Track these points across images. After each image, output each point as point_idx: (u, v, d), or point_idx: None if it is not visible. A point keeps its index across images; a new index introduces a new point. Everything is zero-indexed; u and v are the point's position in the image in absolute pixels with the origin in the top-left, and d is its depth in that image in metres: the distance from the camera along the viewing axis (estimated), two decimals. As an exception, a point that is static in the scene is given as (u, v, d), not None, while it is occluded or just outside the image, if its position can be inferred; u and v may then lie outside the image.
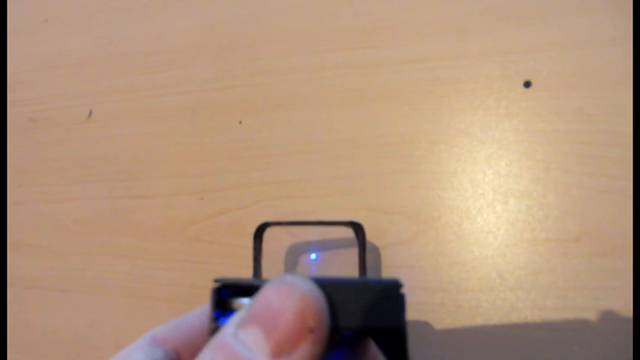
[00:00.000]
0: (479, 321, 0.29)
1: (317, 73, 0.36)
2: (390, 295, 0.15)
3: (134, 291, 0.36)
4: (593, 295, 0.28)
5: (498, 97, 0.32)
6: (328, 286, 0.15)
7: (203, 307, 0.20)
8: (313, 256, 0.33)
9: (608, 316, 0.27)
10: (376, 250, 0.31)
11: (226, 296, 0.16)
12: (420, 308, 0.30)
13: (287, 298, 0.13)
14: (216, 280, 0.16)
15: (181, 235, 0.36)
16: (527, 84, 0.31)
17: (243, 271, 0.33)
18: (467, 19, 0.34)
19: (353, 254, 0.28)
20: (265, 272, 0.29)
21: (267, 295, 0.14)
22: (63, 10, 0.45)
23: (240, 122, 0.37)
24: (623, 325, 0.27)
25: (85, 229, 0.38)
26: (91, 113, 0.41)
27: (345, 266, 0.31)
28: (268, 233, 0.29)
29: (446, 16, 0.34)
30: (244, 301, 0.16)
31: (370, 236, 0.30)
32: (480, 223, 0.30)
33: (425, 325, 0.30)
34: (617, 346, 0.27)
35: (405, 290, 0.16)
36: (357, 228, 0.27)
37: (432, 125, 0.33)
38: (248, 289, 0.16)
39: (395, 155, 0.33)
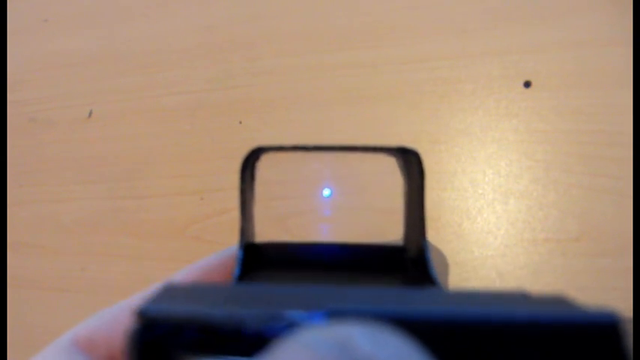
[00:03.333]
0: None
1: (317, 73, 0.36)
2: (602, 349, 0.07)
3: (134, 291, 0.36)
4: (593, 295, 0.28)
5: (498, 97, 0.32)
6: (440, 331, 0.07)
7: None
8: (327, 192, 0.24)
9: (608, 316, 0.27)
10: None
11: (160, 343, 0.08)
12: (420, 308, 0.30)
13: None
14: (138, 314, 0.08)
15: (181, 235, 0.36)
16: (527, 84, 0.31)
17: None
18: (467, 19, 0.34)
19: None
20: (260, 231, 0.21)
21: None
22: (63, 10, 0.45)
23: (240, 122, 0.37)
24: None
25: (85, 229, 0.38)
26: (91, 113, 0.41)
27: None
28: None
29: (446, 16, 0.34)
30: None
31: (371, 236, 0.30)
32: (479, 223, 0.30)
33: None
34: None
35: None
36: (411, 157, 0.18)
37: (432, 125, 0.33)
38: (215, 335, 0.08)
39: (395, 155, 0.33)
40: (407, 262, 0.17)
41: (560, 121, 0.30)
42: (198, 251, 0.35)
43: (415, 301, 0.08)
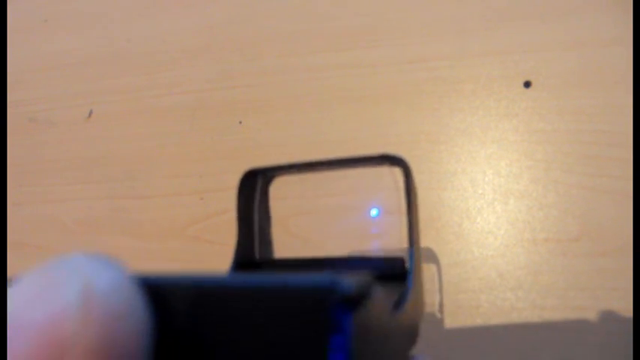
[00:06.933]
0: (479, 321, 0.29)
1: (317, 73, 0.36)
2: (314, 316, 0.07)
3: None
4: (593, 295, 0.28)
5: (498, 97, 0.32)
6: (175, 293, 0.08)
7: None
8: (374, 212, 0.23)
9: (608, 316, 0.27)
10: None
11: None
12: (420, 308, 0.30)
13: (44, 299, 0.07)
14: None
15: (181, 235, 0.36)
16: (527, 84, 0.31)
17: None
18: (467, 19, 0.34)
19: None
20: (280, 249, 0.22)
21: (17, 292, 0.08)
22: (63, 10, 0.45)
23: (240, 122, 0.37)
24: (623, 325, 0.27)
25: (85, 229, 0.38)
26: (91, 113, 0.41)
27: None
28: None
29: (446, 16, 0.34)
30: None
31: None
32: (479, 223, 0.30)
33: (425, 326, 0.30)
34: (617, 346, 0.27)
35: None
36: (397, 163, 0.18)
37: (432, 125, 0.33)
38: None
39: (395, 155, 0.33)
40: (405, 271, 0.17)
41: (560, 121, 0.30)
42: (198, 251, 0.35)
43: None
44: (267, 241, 0.20)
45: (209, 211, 0.36)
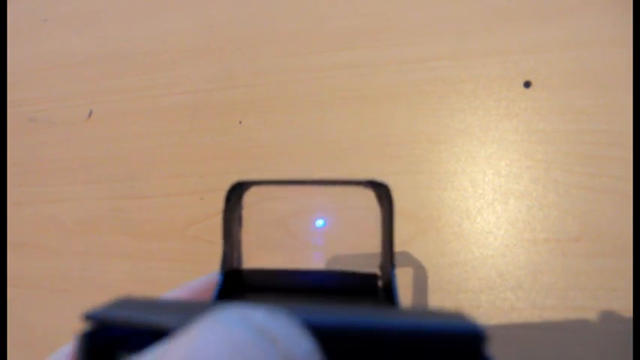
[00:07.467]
0: (479, 321, 0.29)
1: (317, 73, 0.36)
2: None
3: (134, 291, 0.36)
4: (593, 295, 0.28)
5: (498, 97, 0.32)
6: (336, 336, 0.08)
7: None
8: (320, 222, 0.23)
9: (608, 316, 0.27)
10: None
11: (109, 347, 0.09)
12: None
13: None
14: (87, 317, 0.09)
15: (181, 235, 0.36)
16: (527, 84, 0.31)
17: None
18: (467, 19, 0.34)
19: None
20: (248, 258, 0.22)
21: (192, 341, 0.07)
22: (63, 10, 0.45)
23: (240, 122, 0.37)
24: (623, 325, 0.27)
25: (85, 229, 0.38)
26: (91, 113, 0.41)
27: (361, 244, 0.29)
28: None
29: (446, 16, 0.34)
30: None
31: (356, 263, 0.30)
32: (479, 223, 0.30)
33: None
34: (617, 346, 0.27)
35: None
36: (381, 190, 0.18)
37: (432, 125, 0.33)
38: (153, 336, 0.08)
39: (395, 155, 0.33)
40: (378, 288, 0.18)
41: (560, 121, 0.30)
42: (198, 251, 0.35)
43: (330, 312, 0.09)
44: (240, 250, 0.20)
45: (209, 211, 0.36)
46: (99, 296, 0.37)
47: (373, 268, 0.18)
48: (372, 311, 0.10)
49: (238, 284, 0.19)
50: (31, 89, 0.44)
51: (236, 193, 0.20)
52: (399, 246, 0.31)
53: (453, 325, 0.09)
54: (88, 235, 0.38)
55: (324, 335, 0.08)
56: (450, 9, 0.34)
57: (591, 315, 0.27)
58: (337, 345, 0.08)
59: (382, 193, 0.18)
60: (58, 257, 0.39)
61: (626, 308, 0.27)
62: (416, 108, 0.33)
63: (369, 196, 0.20)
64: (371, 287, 0.18)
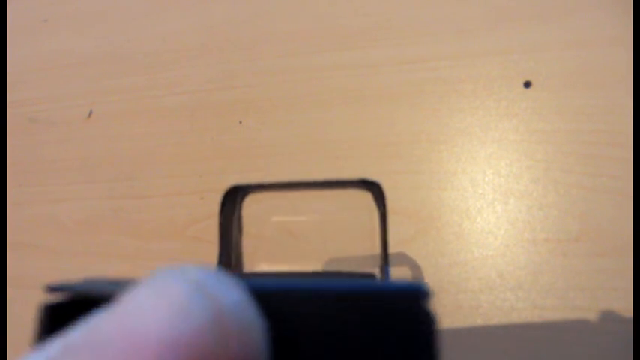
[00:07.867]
0: (479, 321, 0.29)
1: (317, 73, 0.36)
2: (408, 315, 0.09)
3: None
4: (593, 295, 0.28)
5: (498, 97, 0.32)
6: (276, 297, 0.09)
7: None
8: None
9: (608, 316, 0.27)
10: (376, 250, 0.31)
11: (68, 318, 0.08)
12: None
13: (164, 312, 0.07)
14: (50, 288, 0.09)
15: (181, 235, 0.36)
16: (527, 84, 0.31)
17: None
18: (467, 19, 0.34)
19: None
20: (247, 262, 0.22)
21: (128, 305, 0.08)
22: (63, 10, 0.45)
23: (240, 122, 0.37)
24: (623, 325, 0.27)
25: (85, 229, 0.38)
26: (91, 113, 0.41)
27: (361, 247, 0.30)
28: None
29: (446, 16, 0.34)
30: None
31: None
32: (479, 223, 0.30)
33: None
34: (617, 346, 0.27)
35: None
36: (374, 189, 0.19)
37: (432, 125, 0.33)
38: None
39: (395, 155, 0.33)
40: None
41: (560, 121, 0.30)
42: (198, 251, 0.35)
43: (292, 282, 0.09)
44: (239, 254, 0.20)
45: (209, 211, 0.36)
46: (99, 296, 0.37)
47: (373, 268, 0.18)
48: (318, 279, 0.10)
49: None
50: (31, 89, 0.44)
51: (231, 197, 0.20)
52: (399, 246, 0.31)
53: (393, 283, 0.09)
54: (88, 235, 0.38)
55: (266, 298, 0.08)
56: (450, 9, 0.34)
57: (591, 315, 0.27)
58: (280, 306, 0.09)
59: (375, 192, 0.18)
60: (58, 257, 0.39)
61: (626, 308, 0.27)
62: (416, 108, 0.33)
63: (367, 196, 0.20)
64: None
